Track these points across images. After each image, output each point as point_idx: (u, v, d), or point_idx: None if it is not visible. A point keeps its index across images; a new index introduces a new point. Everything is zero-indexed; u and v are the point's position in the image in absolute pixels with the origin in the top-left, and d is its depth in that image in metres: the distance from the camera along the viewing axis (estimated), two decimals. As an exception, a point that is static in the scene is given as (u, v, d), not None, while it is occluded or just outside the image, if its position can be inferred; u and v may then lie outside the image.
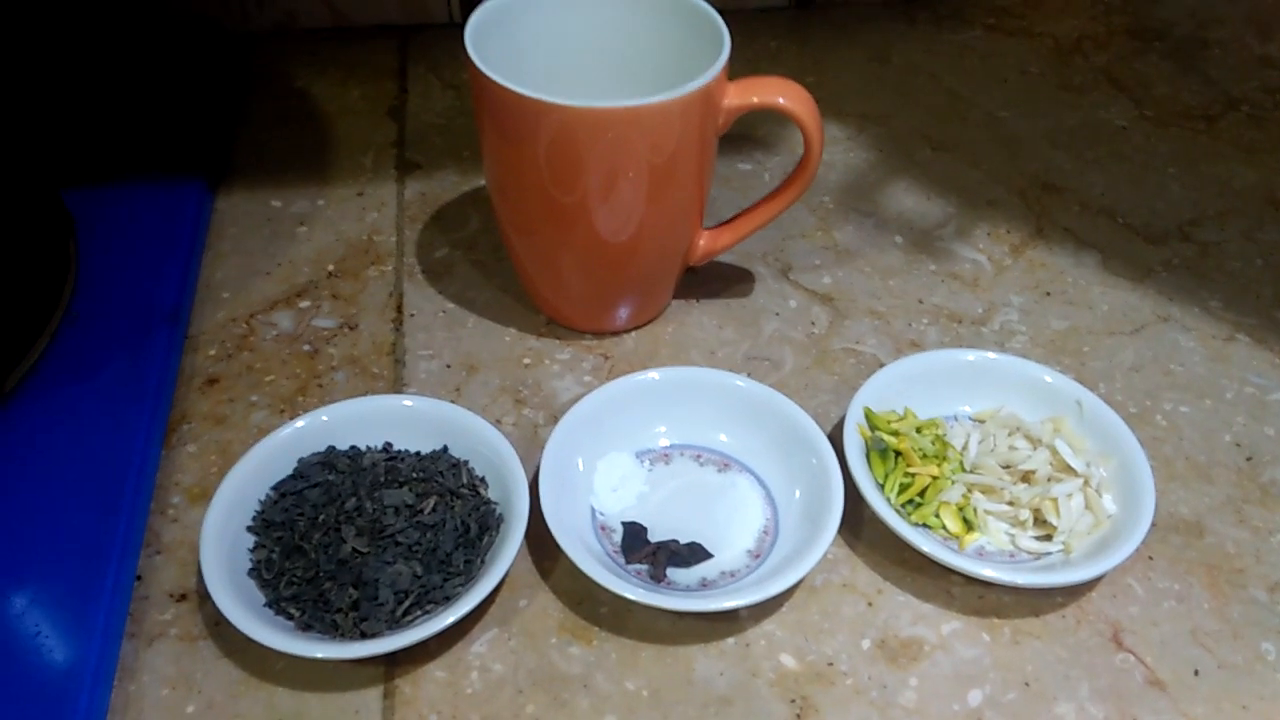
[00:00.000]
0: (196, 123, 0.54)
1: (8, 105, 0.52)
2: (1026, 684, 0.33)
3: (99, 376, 0.40)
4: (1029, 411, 0.40)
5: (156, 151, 0.51)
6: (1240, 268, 0.49)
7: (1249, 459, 0.40)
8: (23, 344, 0.40)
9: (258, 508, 0.36)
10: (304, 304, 0.45)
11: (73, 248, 0.45)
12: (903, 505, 0.37)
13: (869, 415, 0.38)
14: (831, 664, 0.34)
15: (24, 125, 0.52)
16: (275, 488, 0.36)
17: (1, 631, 0.33)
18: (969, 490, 0.37)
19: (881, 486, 0.37)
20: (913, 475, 0.37)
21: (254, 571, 0.34)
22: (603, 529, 0.37)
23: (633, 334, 0.45)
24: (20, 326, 0.40)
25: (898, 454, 0.37)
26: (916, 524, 0.36)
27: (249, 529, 0.35)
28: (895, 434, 0.38)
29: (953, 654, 0.34)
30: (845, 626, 0.35)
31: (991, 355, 0.41)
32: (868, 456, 0.38)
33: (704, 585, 0.35)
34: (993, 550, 0.36)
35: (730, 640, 0.34)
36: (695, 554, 0.36)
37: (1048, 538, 0.36)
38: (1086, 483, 0.37)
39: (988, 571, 0.34)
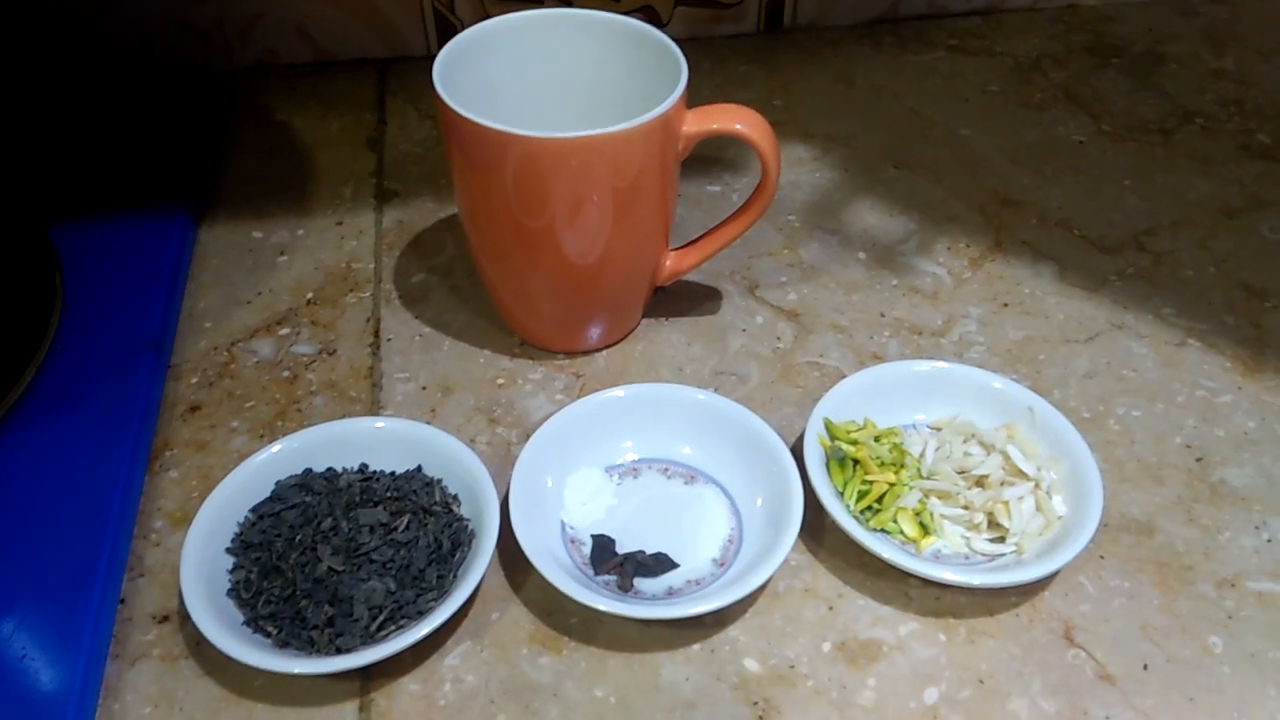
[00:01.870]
0: (180, 157, 0.55)
1: (-5, 145, 0.54)
2: (981, 681, 0.35)
3: (84, 406, 0.42)
4: (984, 419, 0.41)
5: (141, 185, 0.53)
6: (1193, 276, 0.50)
7: (1199, 460, 0.42)
8: (10, 374, 0.41)
9: (236, 530, 0.37)
10: (284, 331, 0.47)
11: (59, 280, 0.46)
12: (861, 511, 0.38)
13: (828, 425, 0.40)
14: (793, 666, 0.35)
15: (12, 162, 0.53)
16: (254, 510, 0.38)
17: (-10, 654, 0.34)
18: (925, 496, 0.38)
19: (841, 494, 0.38)
20: (870, 482, 0.38)
21: (233, 592, 0.35)
22: (572, 542, 0.38)
23: (604, 353, 0.46)
24: (8, 357, 0.41)
25: (856, 462, 0.39)
26: (875, 529, 0.37)
27: (228, 550, 0.37)
28: (854, 443, 0.39)
29: (910, 654, 0.35)
30: (807, 630, 0.36)
31: (947, 365, 0.42)
32: (827, 465, 0.39)
33: (671, 594, 0.36)
34: (949, 553, 0.38)
35: (696, 646, 0.36)
36: (662, 564, 0.37)
37: (1001, 540, 0.37)
38: (1037, 486, 0.38)
39: (943, 574, 0.36)
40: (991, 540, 0.38)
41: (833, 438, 0.40)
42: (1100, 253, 0.51)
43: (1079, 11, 0.70)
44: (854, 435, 0.40)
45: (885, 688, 0.34)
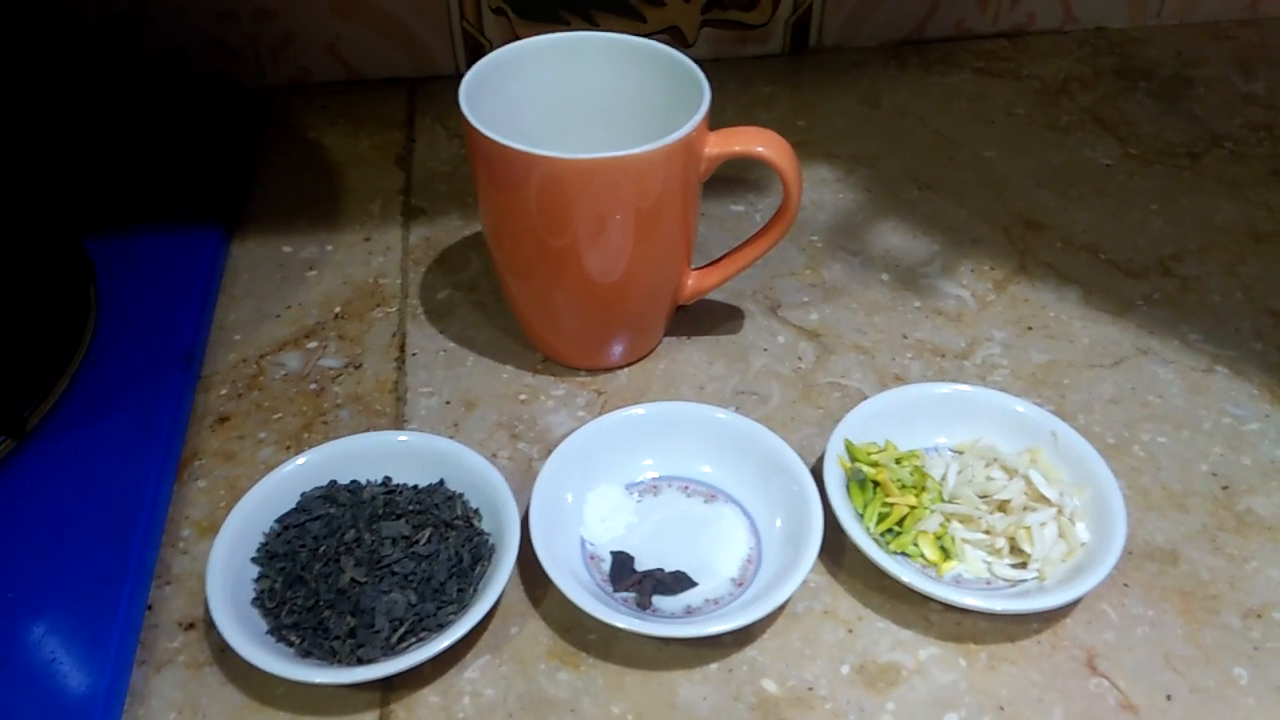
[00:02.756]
0: (212, 172, 0.56)
1: (34, 157, 0.55)
2: (1001, 708, 0.34)
3: (115, 415, 0.42)
4: (1006, 443, 0.41)
5: (174, 199, 0.54)
6: (1220, 301, 0.50)
7: (1225, 488, 0.41)
8: (44, 384, 0.42)
9: (262, 540, 0.38)
10: (311, 345, 0.48)
11: (93, 292, 0.47)
12: (881, 534, 0.38)
13: (849, 447, 0.40)
14: (811, 688, 0.35)
15: (48, 176, 0.55)
16: (279, 520, 0.38)
17: (19, 658, 0.34)
18: (947, 519, 0.38)
19: (861, 516, 0.38)
20: (891, 505, 0.38)
21: (257, 601, 0.36)
22: (592, 559, 0.38)
23: (625, 370, 0.46)
24: (42, 367, 0.42)
25: (876, 484, 0.39)
26: (895, 552, 0.37)
27: (253, 560, 0.37)
28: (874, 465, 0.39)
29: (930, 679, 0.35)
30: (825, 652, 0.36)
31: (970, 388, 0.42)
32: (847, 487, 0.39)
33: (689, 612, 0.37)
34: (970, 578, 0.37)
35: (713, 666, 0.36)
36: (680, 582, 0.37)
37: (1023, 565, 0.37)
38: (1060, 512, 0.38)
39: (964, 599, 0.35)
40: (1013, 565, 0.37)
41: (853, 459, 0.40)
42: (1126, 277, 0.51)
43: (1107, 34, 0.70)
44: (875, 457, 0.40)
45: (904, 712, 0.34)
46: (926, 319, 0.49)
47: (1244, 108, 0.63)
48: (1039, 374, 0.46)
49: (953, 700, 0.35)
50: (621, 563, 0.38)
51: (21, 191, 0.49)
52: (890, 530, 0.38)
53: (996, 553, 0.38)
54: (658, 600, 0.37)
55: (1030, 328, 0.48)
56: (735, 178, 0.57)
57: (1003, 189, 0.57)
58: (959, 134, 0.61)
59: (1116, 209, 0.55)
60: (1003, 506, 0.38)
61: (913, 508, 0.38)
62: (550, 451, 0.40)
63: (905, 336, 0.48)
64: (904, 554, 0.38)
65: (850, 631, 0.37)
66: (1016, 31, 0.69)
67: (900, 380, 0.46)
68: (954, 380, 0.45)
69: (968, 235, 0.54)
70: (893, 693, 0.35)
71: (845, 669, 0.35)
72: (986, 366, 0.46)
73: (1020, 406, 0.41)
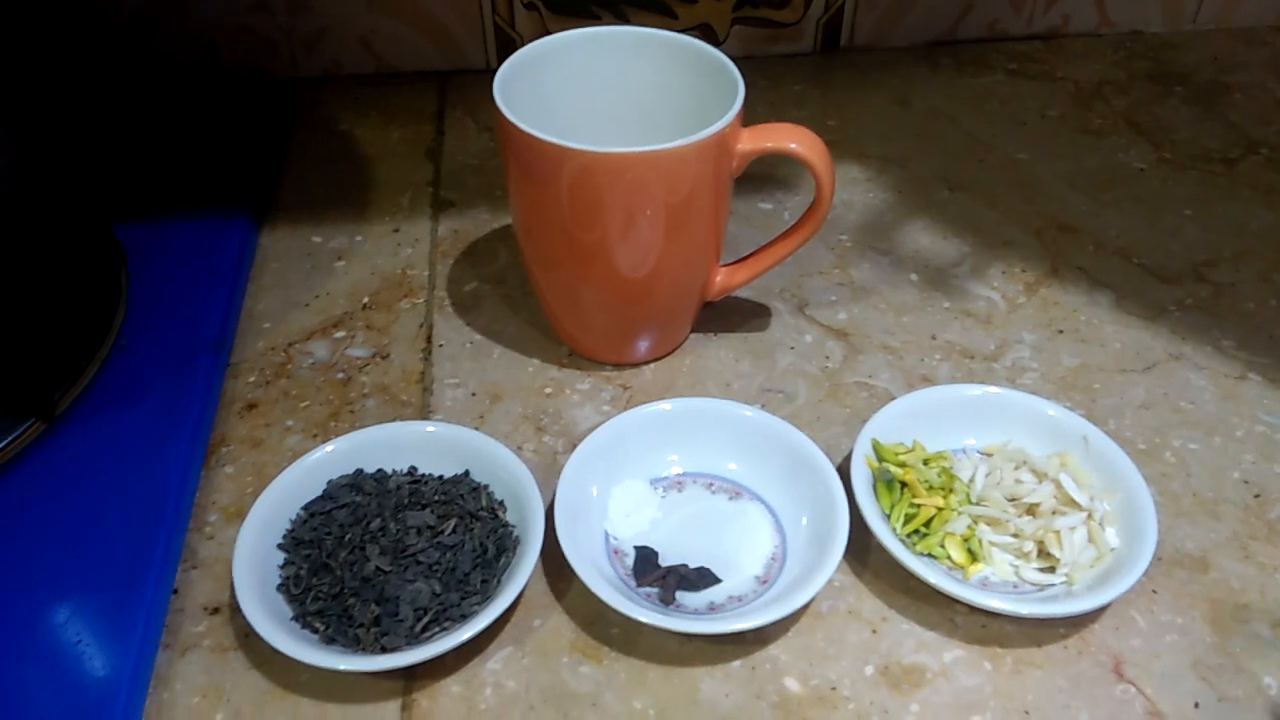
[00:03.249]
0: (244, 162, 0.57)
1: (67, 145, 0.55)
2: (1026, 712, 0.34)
3: (145, 401, 0.43)
4: (1036, 446, 0.40)
5: (206, 189, 0.54)
6: (1254, 308, 0.49)
7: (1257, 496, 0.41)
8: (74, 369, 0.42)
9: (288, 526, 0.38)
10: (339, 334, 0.48)
11: (124, 279, 0.48)
12: (908, 535, 0.38)
13: (876, 447, 0.40)
14: (835, 689, 0.35)
15: (81, 164, 0.55)
16: (305, 508, 0.38)
17: (44, 639, 0.35)
18: (974, 522, 0.38)
19: (887, 516, 0.38)
20: (918, 506, 0.38)
21: (283, 587, 0.36)
22: (615, 553, 0.38)
23: (651, 366, 0.46)
24: (72, 352, 0.43)
25: (904, 485, 0.38)
26: (921, 554, 0.37)
27: (279, 546, 0.37)
28: (902, 465, 0.39)
29: (954, 681, 0.35)
30: (849, 652, 0.36)
31: (1000, 390, 0.42)
32: (874, 487, 0.39)
33: (712, 609, 0.36)
34: (997, 581, 0.37)
35: (736, 663, 0.35)
36: (704, 578, 0.37)
37: (1051, 569, 0.37)
38: (1090, 516, 0.37)
39: (990, 601, 0.35)
40: (1041, 570, 0.37)
41: (880, 459, 0.39)
42: (1159, 282, 0.50)
43: (1142, 38, 0.69)
44: (902, 457, 0.39)
45: (928, 715, 0.34)
46: (956, 320, 0.48)
47: (1281, 114, 0.62)
48: (1069, 378, 0.46)
49: (977, 704, 0.34)
50: (645, 557, 0.38)
51: (55, 179, 0.50)
52: (917, 531, 0.38)
53: (1024, 556, 0.37)
54: (681, 596, 0.37)
55: (1061, 331, 0.48)
56: (764, 175, 0.57)
57: (1035, 191, 0.56)
58: (991, 135, 0.60)
59: (1150, 214, 0.55)
60: (1031, 510, 0.38)
61: (940, 509, 0.38)
62: (575, 445, 0.40)
63: (934, 338, 0.48)
64: (930, 555, 0.37)
65: (875, 632, 0.36)
66: (1050, 34, 0.69)
67: (928, 381, 0.45)
68: (983, 382, 0.45)
69: (999, 237, 0.53)
70: (917, 695, 0.35)
71: (869, 670, 0.35)
72: (1016, 369, 0.46)
73: (1051, 410, 0.41)
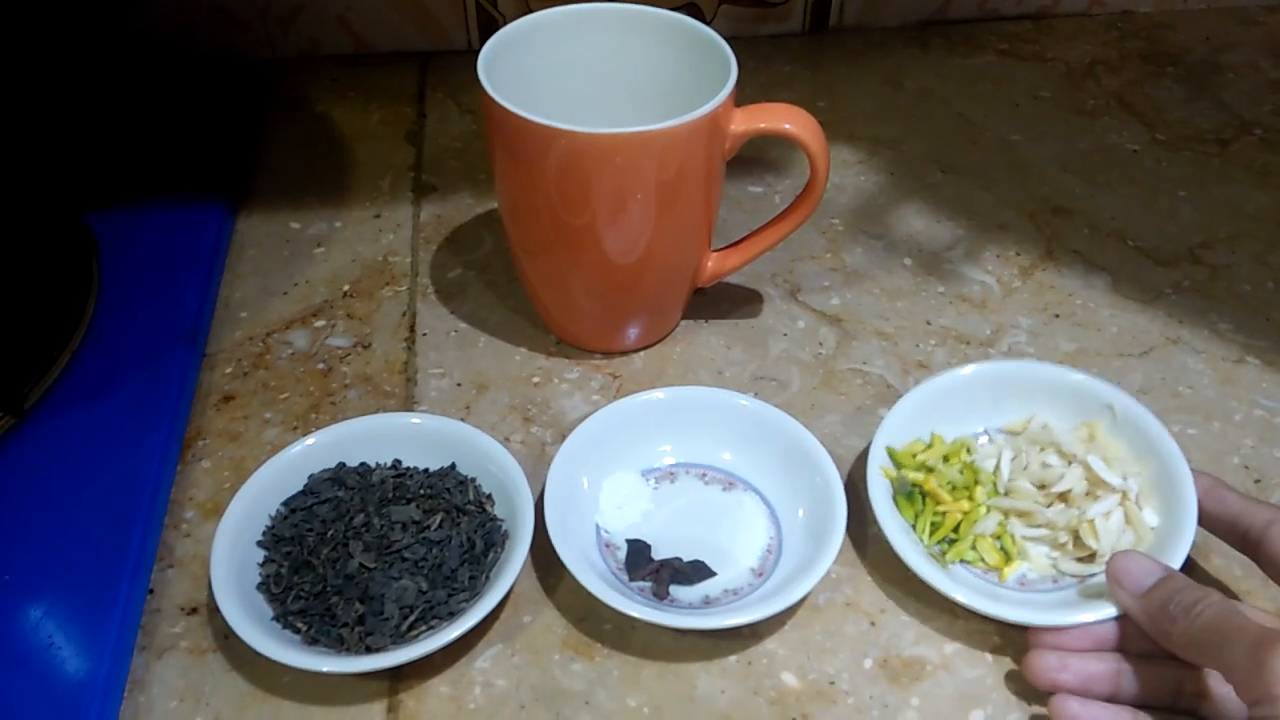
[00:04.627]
0: (219, 146, 0.55)
1: (36, 131, 0.54)
2: (1029, 703, 0.33)
3: (118, 393, 0.41)
4: (1059, 419, 0.39)
5: (179, 174, 0.53)
6: (1251, 291, 0.48)
7: (1257, 481, 0.40)
8: (45, 360, 0.41)
9: (268, 523, 0.37)
10: (319, 323, 0.46)
11: (95, 268, 0.46)
12: (936, 544, 0.36)
13: (892, 454, 0.38)
14: (833, 683, 0.34)
15: (51, 150, 0.53)
16: (286, 503, 0.37)
17: (16, 642, 0.33)
18: (1005, 516, 0.36)
19: (912, 527, 0.36)
20: (943, 513, 0.37)
21: (263, 586, 0.35)
22: (607, 546, 0.37)
23: (641, 354, 0.45)
24: (42, 343, 0.41)
25: (924, 493, 0.37)
26: (954, 562, 0.36)
27: (259, 544, 0.36)
28: (921, 467, 0.38)
29: (955, 674, 0.34)
30: (847, 645, 0.35)
31: (1018, 363, 0.40)
32: (895, 499, 0.37)
33: (707, 603, 0.35)
34: (1034, 577, 0.36)
35: (732, 658, 0.35)
36: (698, 572, 0.36)
37: (1091, 558, 0.36)
38: (1125, 497, 0.36)
39: (1032, 616, 0.33)
40: (1080, 559, 0.36)
41: (899, 466, 0.38)
42: (1155, 264, 0.50)
43: (1134, 18, 0.68)
44: (921, 458, 0.38)
45: (929, 708, 0.33)
46: (950, 305, 0.48)
47: (1273, 94, 0.61)
48: (1066, 362, 0.45)
49: (979, 696, 0.34)
50: (638, 551, 0.37)
51: (23, 166, 0.48)
52: (945, 539, 0.36)
53: (1061, 548, 0.36)
54: (675, 590, 0.36)
55: (1057, 315, 0.47)
56: (754, 158, 0.56)
57: (1028, 173, 0.55)
58: (983, 117, 0.59)
59: (1144, 195, 0.54)
60: (1063, 497, 0.36)
61: (966, 512, 0.36)
62: (564, 436, 0.39)
63: (929, 323, 0.47)
64: (964, 561, 0.36)
65: (873, 624, 0.36)
66: (1041, 14, 0.68)
67: (923, 367, 0.44)
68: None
69: (993, 220, 0.52)
70: (917, 688, 0.34)
71: (868, 663, 0.34)
72: (1013, 354, 0.45)
73: (1075, 376, 0.39)
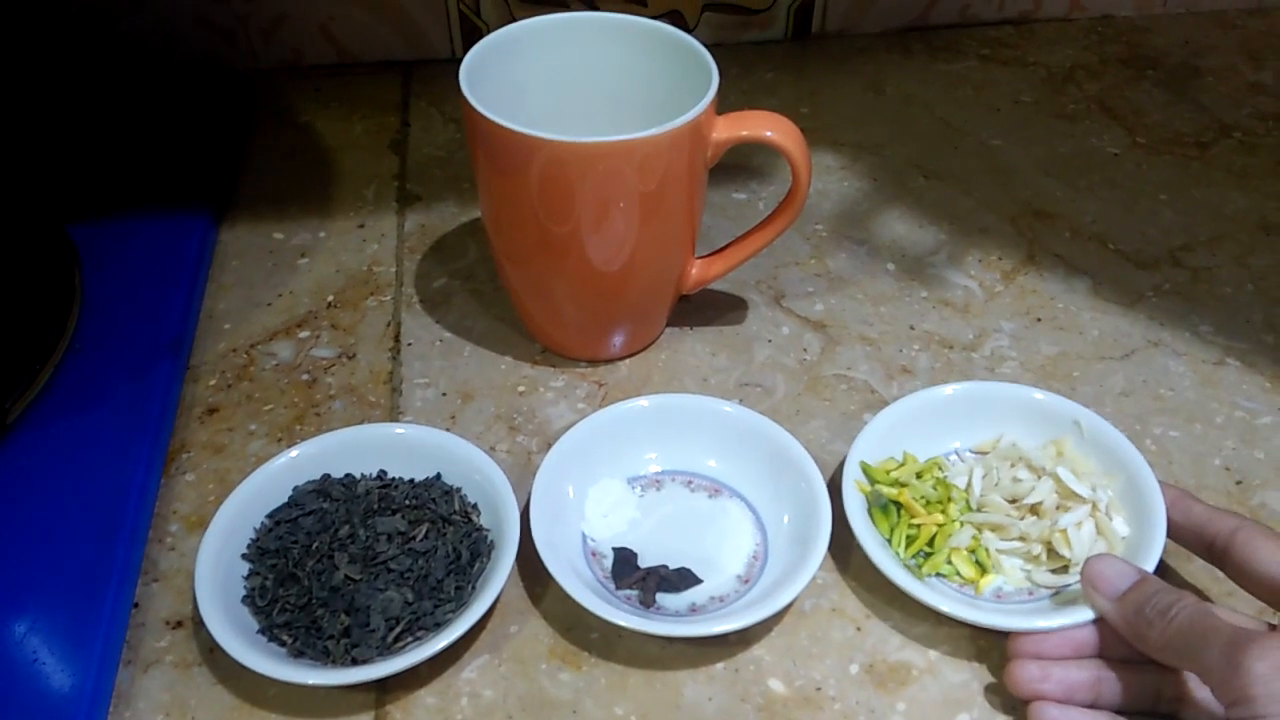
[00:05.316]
0: (202, 157, 0.55)
1: (17, 141, 0.53)
2: (1015, 708, 0.33)
3: (101, 406, 0.41)
4: (1028, 437, 0.40)
5: (162, 185, 0.52)
6: (1231, 293, 0.49)
7: (1239, 483, 0.40)
8: (27, 373, 0.41)
9: (253, 535, 0.36)
10: (303, 334, 0.46)
11: (78, 279, 0.46)
12: (912, 558, 0.37)
13: (866, 469, 0.38)
14: (819, 688, 0.34)
15: (32, 160, 0.53)
16: (270, 516, 0.37)
17: (1, 657, 0.33)
18: (978, 530, 0.37)
19: (888, 541, 0.37)
20: (918, 526, 0.37)
21: (248, 599, 0.35)
22: (594, 555, 0.37)
23: (626, 361, 0.45)
24: (25, 356, 0.41)
25: (899, 506, 0.37)
26: (929, 575, 0.36)
27: (244, 557, 0.36)
28: (895, 483, 0.38)
29: (941, 678, 0.34)
30: (834, 651, 0.35)
31: (983, 384, 0.41)
32: (870, 512, 0.37)
33: (693, 610, 0.36)
34: (1010, 590, 0.36)
35: (719, 665, 0.35)
36: (685, 579, 0.36)
37: (1064, 569, 0.36)
38: (1094, 508, 0.36)
39: (1009, 622, 0.34)
40: (1054, 571, 0.36)
41: (872, 481, 0.38)
42: (1136, 268, 0.50)
43: (1113, 23, 0.69)
44: (894, 474, 0.38)
45: (916, 712, 0.33)
46: (934, 310, 0.48)
47: (1252, 97, 0.62)
48: (1049, 366, 0.45)
49: (965, 700, 0.34)
50: (624, 559, 0.37)
51: (5, 176, 0.48)
52: (921, 552, 0.37)
53: (1034, 560, 0.36)
54: (661, 598, 0.36)
55: (1039, 319, 0.47)
56: (738, 165, 0.56)
57: (1010, 178, 0.56)
58: (965, 122, 0.60)
59: (1125, 199, 0.54)
60: (1035, 509, 0.37)
61: (940, 525, 0.37)
62: (550, 444, 0.39)
63: (912, 328, 0.47)
64: (939, 575, 0.36)
65: (859, 630, 0.36)
66: (1022, 19, 0.68)
67: (907, 372, 0.45)
68: (963, 372, 0.44)
69: (975, 225, 0.53)
70: (903, 693, 0.34)
71: (854, 668, 0.35)
72: (995, 359, 0.45)
73: (1039, 395, 0.40)
